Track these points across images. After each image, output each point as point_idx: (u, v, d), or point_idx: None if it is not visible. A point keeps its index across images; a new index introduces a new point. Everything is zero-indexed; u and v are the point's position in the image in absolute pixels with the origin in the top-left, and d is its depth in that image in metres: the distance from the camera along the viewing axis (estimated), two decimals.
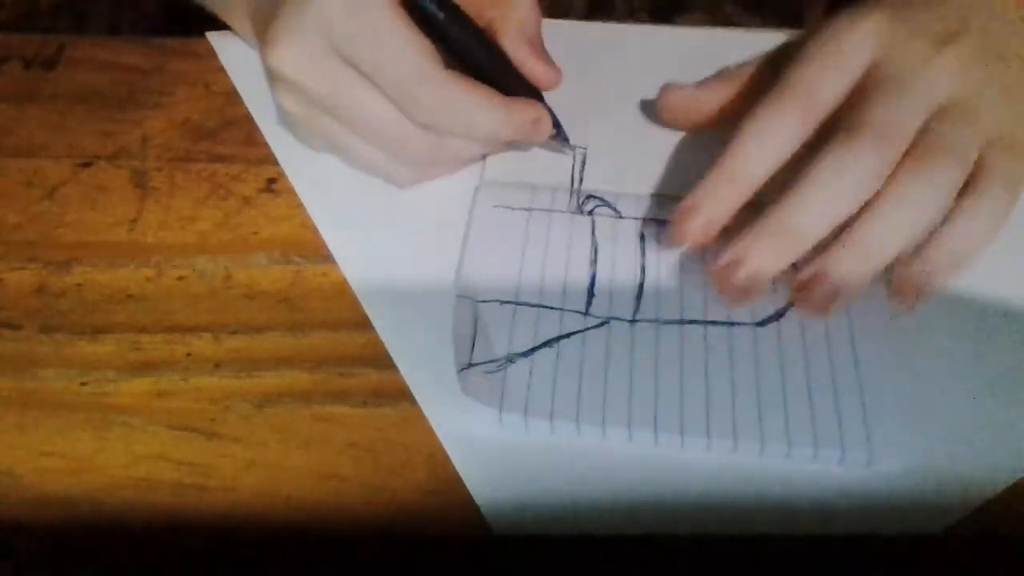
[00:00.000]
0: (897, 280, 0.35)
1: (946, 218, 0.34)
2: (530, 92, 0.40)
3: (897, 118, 0.34)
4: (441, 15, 0.38)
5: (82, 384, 0.36)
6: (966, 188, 0.34)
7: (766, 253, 0.34)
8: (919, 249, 0.34)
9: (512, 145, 0.42)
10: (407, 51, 0.36)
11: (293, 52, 0.37)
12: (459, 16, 0.38)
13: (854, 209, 0.33)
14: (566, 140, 0.41)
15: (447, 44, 0.38)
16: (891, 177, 0.33)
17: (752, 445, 0.34)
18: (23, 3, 0.60)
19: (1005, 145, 0.35)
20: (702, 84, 0.42)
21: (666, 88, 0.42)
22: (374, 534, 0.33)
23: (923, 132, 0.34)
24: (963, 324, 0.38)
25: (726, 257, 0.34)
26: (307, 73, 0.37)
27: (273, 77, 0.38)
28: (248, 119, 0.45)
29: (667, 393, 0.35)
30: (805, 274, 0.34)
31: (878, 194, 0.33)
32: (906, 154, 0.34)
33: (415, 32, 0.37)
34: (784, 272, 0.35)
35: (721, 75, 0.41)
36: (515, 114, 0.38)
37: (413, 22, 0.37)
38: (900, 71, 0.35)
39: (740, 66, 0.41)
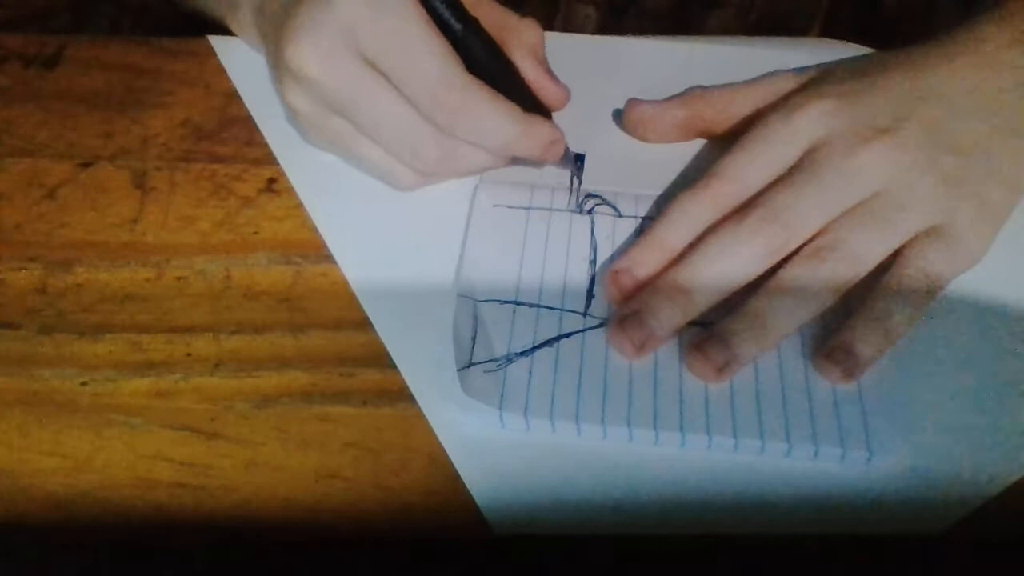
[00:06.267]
0: (822, 354, 0.36)
1: (867, 299, 0.36)
2: (539, 110, 0.40)
3: (798, 208, 0.36)
4: (459, 27, 0.38)
5: (82, 384, 0.36)
6: (889, 271, 0.36)
7: (660, 309, 0.36)
8: (840, 324, 0.36)
9: (517, 161, 0.42)
10: (434, 54, 0.37)
11: (314, 51, 0.37)
12: (476, 29, 0.39)
13: (738, 280, 0.36)
14: (572, 163, 0.41)
15: (462, 56, 0.38)
16: (787, 264, 0.36)
17: (752, 443, 0.34)
18: (23, 3, 0.60)
19: (936, 235, 0.37)
20: (664, 102, 0.44)
21: (631, 102, 0.44)
22: (374, 534, 0.33)
23: (827, 229, 0.36)
24: (963, 324, 0.38)
25: (627, 307, 0.36)
26: (327, 72, 0.37)
27: (288, 75, 0.38)
28: (248, 119, 0.45)
29: (667, 392, 0.35)
30: (700, 337, 0.36)
31: (772, 275, 0.36)
32: (803, 246, 0.36)
33: (440, 37, 0.37)
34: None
35: (684, 95, 0.44)
36: (532, 131, 0.39)
37: (437, 28, 0.37)
38: (824, 164, 0.37)
39: (707, 88, 0.43)
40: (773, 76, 0.42)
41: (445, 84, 0.37)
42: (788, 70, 0.42)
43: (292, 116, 0.42)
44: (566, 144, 0.41)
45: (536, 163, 0.42)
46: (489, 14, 0.40)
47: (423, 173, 0.40)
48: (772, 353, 0.36)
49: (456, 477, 0.34)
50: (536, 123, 0.39)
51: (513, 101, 0.39)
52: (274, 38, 0.40)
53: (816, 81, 0.41)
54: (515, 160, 0.42)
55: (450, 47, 0.37)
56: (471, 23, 0.38)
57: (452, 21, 0.38)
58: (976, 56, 0.39)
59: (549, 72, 0.41)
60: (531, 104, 0.40)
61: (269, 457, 0.34)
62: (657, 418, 0.34)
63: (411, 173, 0.40)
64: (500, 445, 0.35)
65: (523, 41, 0.41)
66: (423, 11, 0.37)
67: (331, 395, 0.36)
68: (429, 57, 0.37)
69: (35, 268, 0.40)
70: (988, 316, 0.38)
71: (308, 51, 0.37)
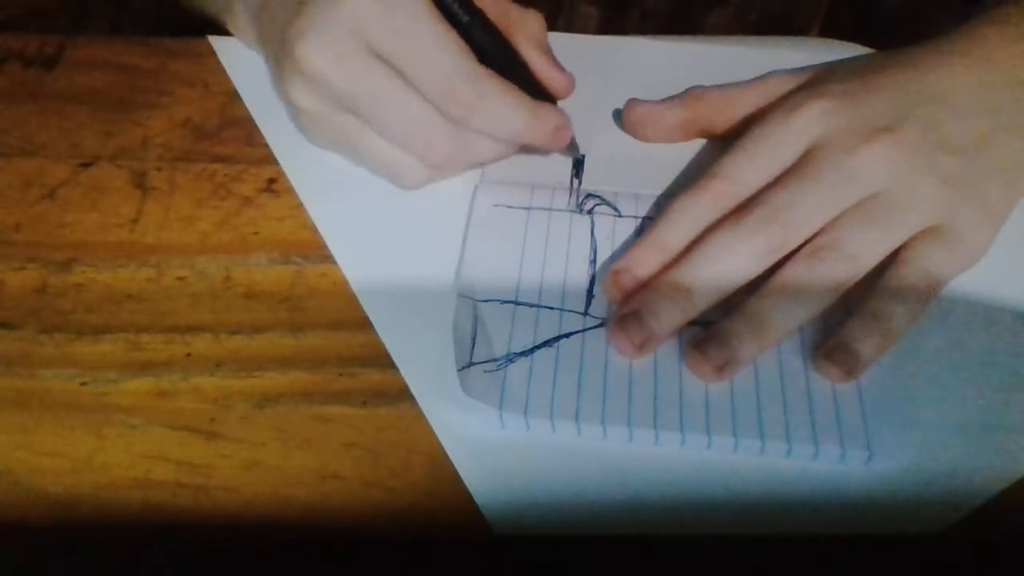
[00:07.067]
0: (821, 353, 0.36)
1: (866, 298, 0.36)
2: (545, 98, 0.41)
3: (797, 208, 0.36)
4: (466, 18, 0.38)
5: (82, 384, 0.36)
6: (888, 271, 0.36)
7: (660, 308, 0.36)
8: (840, 324, 0.36)
9: (524, 150, 0.42)
10: (445, 47, 0.37)
11: (324, 48, 0.37)
12: (483, 20, 0.39)
13: (738, 279, 0.36)
14: (576, 149, 0.41)
15: (471, 47, 0.38)
16: (786, 264, 0.36)
17: (752, 443, 0.34)
18: (23, 3, 0.60)
19: (936, 234, 0.37)
20: (664, 102, 0.44)
21: (631, 102, 0.44)
22: (374, 534, 0.33)
23: (827, 228, 0.36)
24: (963, 323, 0.38)
25: (626, 307, 0.36)
26: (338, 69, 0.37)
27: (295, 73, 0.38)
28: (248, 119, 0.45)
29: (667, 392, 0.35)
30: (700, 337, 0.36)
31: (772, 274, 0.36)
32: (803, 245, 0.36)
33: (451, 29, 0.37)
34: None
35: (683, 95, 0.44)
36: (542, 118, 0.39)
37: (445, 20, 0.37)
38: (823, 163, 0.37)
39: (706, 88, 0.43)
40: (773, 76, 0.42)
41: (458, 76, 0.37)
42: (788, 70, 0.42)
43: (296, 115, 0.42)
44: (572, 131, 0.41)
45: (543, 150, 0.42)
46: (493, 6, 0.40)
47: (433, 167, 0.40)
48: (772, 353, 0.36)
49: (456, 477, 0.34)
50: (544, 110, 0.39)
51: (521, 89, 0.39)
52: (279, 38, 0.40)
53: (816, 81, 0.41)
54: (522, 148, 0.42)
55: (460, 39, 0.38)
56: (477, 14, 0.39)
57: (459, 12, 0.38)
58: (976, 55, 0.39)
59: (554, 60, 0.41)
60: (537, 92, 0.40)
61: (269, 457, 0.34)
62: (657, 418, 0.34)
63: (420, 168, 0.40)
64: (500, 445, 0.35)
65: (527, 31, 0.41)
66: (431, 4, 0.37)
67: (331, 395, 0.36)
68: (441, 50, 0.37)
69: (35, 268, 0.40)
70: (988, 316, 0.38)
71: (318, 49, 0.37)
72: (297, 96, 0.39)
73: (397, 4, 0.37)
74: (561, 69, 0.41)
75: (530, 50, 0.40)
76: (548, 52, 0.41)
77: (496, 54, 0.39)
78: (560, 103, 0.41)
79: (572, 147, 0.41)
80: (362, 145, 0.40)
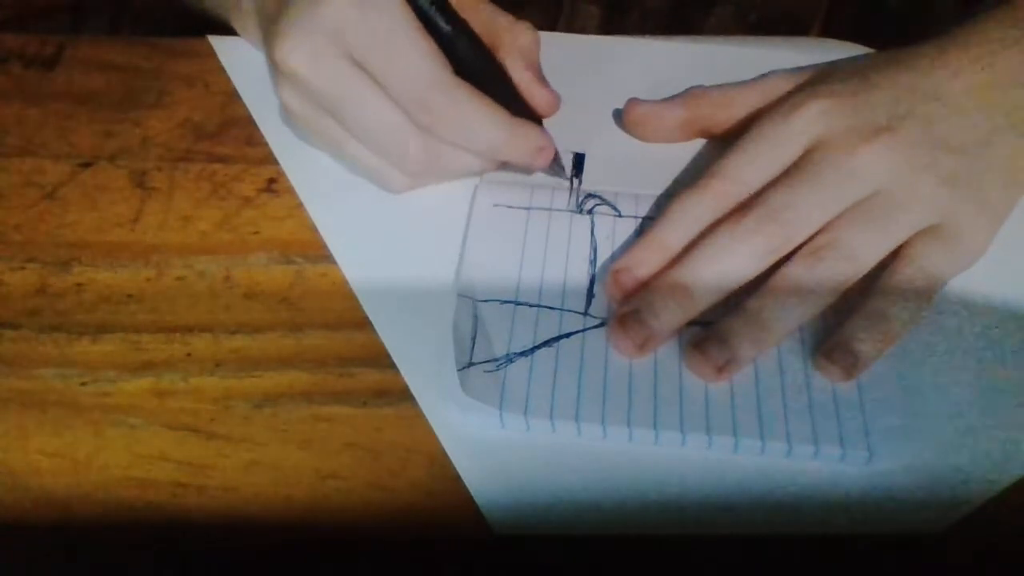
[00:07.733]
0: (821, 353, 0.36)
1: (866, 298, 0.36)
2: (530, 115, 0.40)
3: (797, 208, 0.36)
4: (448, 28, 0.38)
5: (82, 384, 0.36)
6: (888, 270, 0.37)
7: (660, 307, 0.36)
8: (841, 324, 0.36)
9: (507, 167, 0.41)
10: (420, 55, 0.37)
11: (302, 49, 0.37)
12: (465, 31, 0.38)
13: (738, 279, 0.36)
14: (562, 170, 0.41)
15: (450, 58, 0.38)
16: (786, 263, 0.36)
17: (752, 443, 0.34)
18: (23, 3, 0.60)
19: (936, 234, 0.37)
20: (664, 102, 0.44)
21: (631, 102, 0.44)
22: (374, 534, 0.33)
23: (826, 228, 0.36)
24: (963, 324, 0.38)
25: (627, 306, 0.36)
26: (315, 71, 0.37)
27: (279, 72, 0.38)
28: (248, 119, 0.45)
29: (667, 392, 0.35)
30: (700, 336, 0.36)
31: (772, 274, 0.36)
32: (803, 245, 0.36)
33: (427, 38, 0.37)
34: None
35: (684, 95, 0.44)
36: (519, 136, 0.39)
37: (425, 29, 0.37)
38: (823, 163, 0.37)
39: (707, 88, 0.43)
40: (773, 76, 0.42)
41: (430, 85, 0.37)
42: (788, 70, 0.42)
43: (286, 113, 0.42)
44: (556, 151, 0.40)
45: (525, 169, 0.41)
46: (483, 15, 0.40)
47: (411, 175, 0.40)
48: (772, 353, 0.36)
49: (456, 477, 0.34)
50: (524, 128, 0.39)
51: (502, 105, 0.38)
52: (268, 37, 0.40)
53: (815, 81, 0.41)
54: (505, 165, 0.41)
55: (437, 48, 0.37)
56: (460, 24, 0.38)
57: (440, 22, 0.38)
58: (975, 55, 0.39)
59: (540, 77, 0.41)
60: (520, 109, 0.40)
61: (269, 457, 0.34)
62: (657, 418, 0.34)
63: (399, 175, 0.40)
64: (500, 445, 0.35)
65: (516, 44, 0.40)
66: (411, 12, 0.37)
67: (331, 395, 0.36)
68: (415, 58, 0.37)
69: (35, 268, 0.40)
70: (988, 316, 0.38)
71: (296, 51, 0.37)
72: (286, 97, 0.39)
73: (375, 10, 0.37)
74: (546, 86, 0.41)
75: (516, 64, 0.40)
76: (535, 68, 0.41)
77: (477, 67, 0.38)
78: (560, 103, 0.41)
79: (556, 167, 0.41)
80: (344, 148, 0.40)
